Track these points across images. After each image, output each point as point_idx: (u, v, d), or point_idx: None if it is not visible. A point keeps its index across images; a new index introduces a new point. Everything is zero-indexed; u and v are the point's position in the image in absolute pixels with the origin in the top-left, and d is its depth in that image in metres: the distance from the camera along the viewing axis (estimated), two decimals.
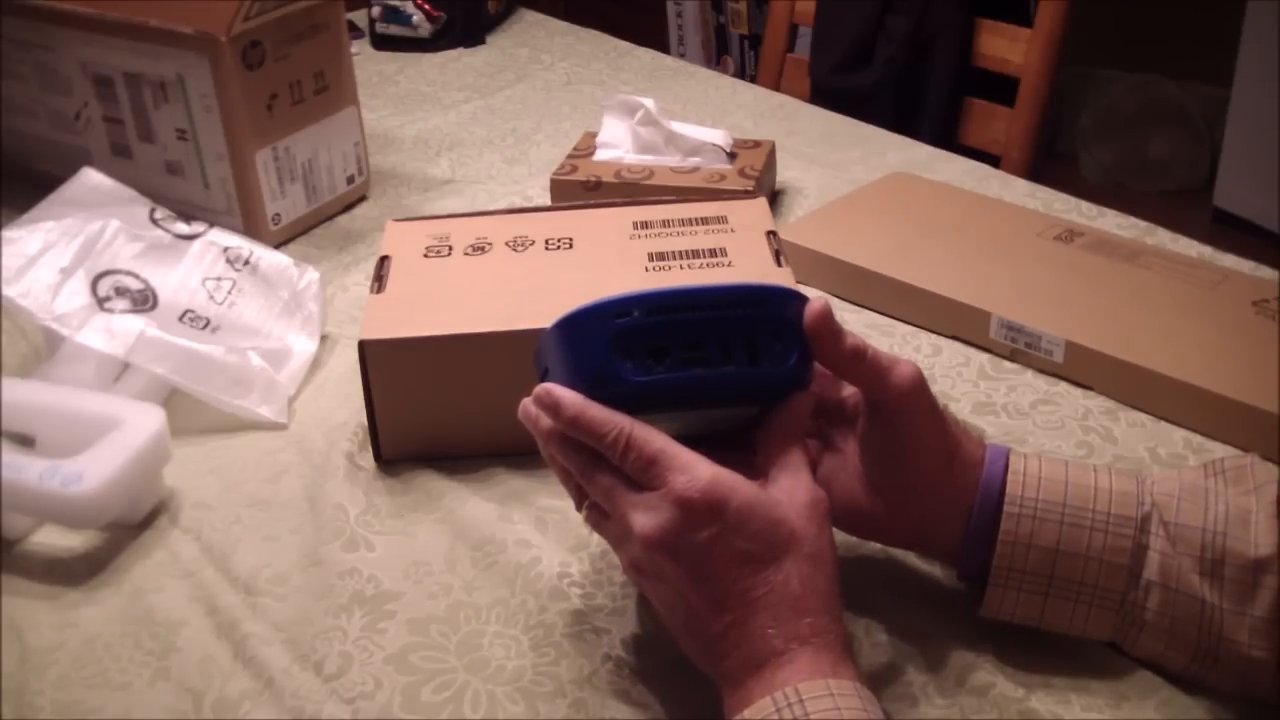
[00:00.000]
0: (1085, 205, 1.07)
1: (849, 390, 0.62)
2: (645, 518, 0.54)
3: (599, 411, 0.55)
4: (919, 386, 0.58)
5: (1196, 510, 0.57)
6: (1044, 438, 0.77)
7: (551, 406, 0.56)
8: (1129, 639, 0.59)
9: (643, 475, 0.54)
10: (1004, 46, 1.47)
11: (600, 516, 0.58)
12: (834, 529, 0.62)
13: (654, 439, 0.54)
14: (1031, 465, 0.59)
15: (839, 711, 0.50)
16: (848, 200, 1.04)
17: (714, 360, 0.56)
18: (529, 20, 1.64)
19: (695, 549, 0.53)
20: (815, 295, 0.58)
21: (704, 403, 0.57)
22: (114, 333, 0.79)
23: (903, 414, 0.58)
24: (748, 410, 0.58)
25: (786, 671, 0.51)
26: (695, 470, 0.53)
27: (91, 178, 0.91)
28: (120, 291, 0.82)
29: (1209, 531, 0.57)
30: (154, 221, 0.88)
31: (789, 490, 0.55)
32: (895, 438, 0.59)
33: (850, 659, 0.53)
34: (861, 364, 0.58)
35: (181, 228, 0.88)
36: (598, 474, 0.56)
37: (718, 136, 1.07)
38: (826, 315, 0.57)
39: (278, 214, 1.05)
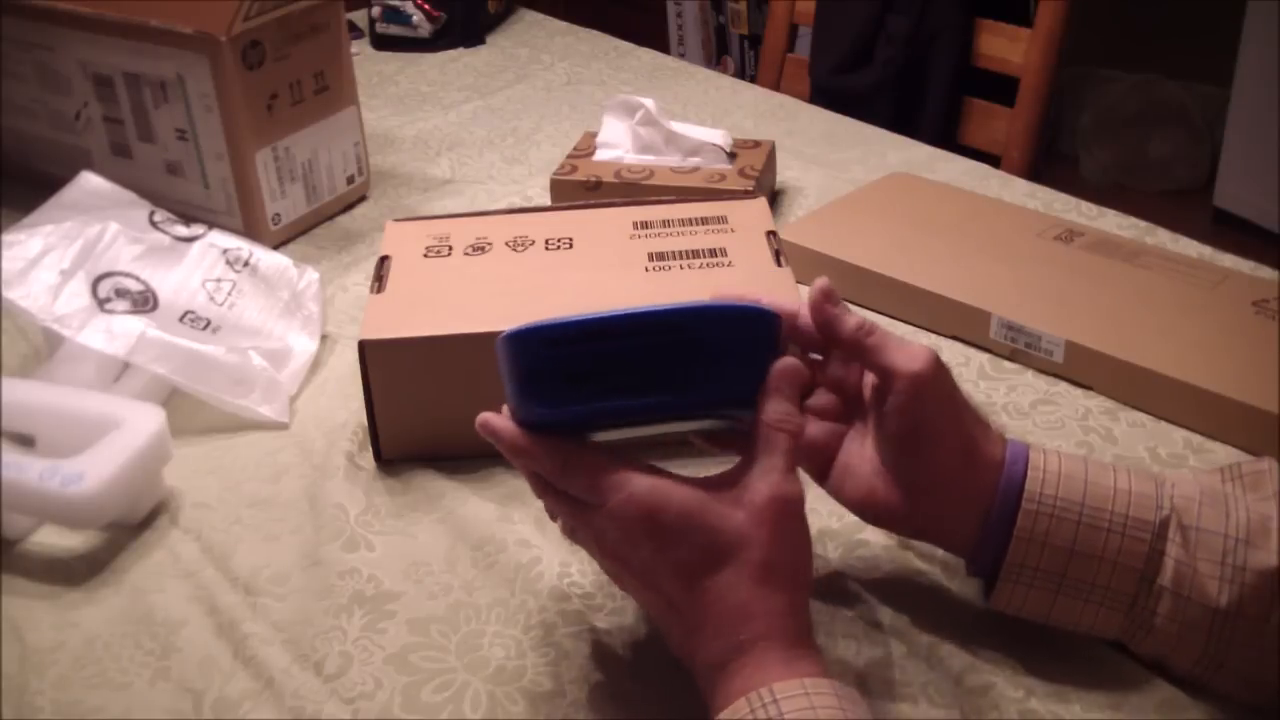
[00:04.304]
0: (1085, 205, 1.07)
1: (871, 376, 0.61)
2: (595, 534, 0.56)
3: (533, 444, 0.55)
4: (929, 373, 0.57)
5: (1218, 516, 0.57)
6: (1044, 438, 0.77)
7: (493, 436, 0.56)
8: (1134, 640, 0.59)
9: (588, 496, 0.55)
10: (1004, 46, 1.47)
11: (569, 529, 0.60)
12: (856, 515, 0.62)
13: (588, 460, 0.55)
14: (1051, 462, 0.58)
15: (813, 710, 0.49)
16: (848, 200, 1.04)
17: (637, 387, 0.54)
18: (529, 20, 1.64)
19: (641, 562, 0.54)
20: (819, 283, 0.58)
21: (640, 424, 0.57)
22: (115, 333, 0.79)
23: (916, 401, 0.57)
24: (708, 424, 0.58)
25: (738, 681, 0.51)
26: (629, 485, 0.54)
27: (91, 181, 0.91)
28: (120, 293, 0.82)
29: (1230, 538, 0.56)
30: (153, 224, 0.88)
31: (747, 489, 0.54)
32: (908, 426, 0.58)
33: (806, 654, 0.53)
34: (864, 349, 0.58)
35: (181, 230, 0.88)
36: (548, 495, 0.58)
37: (718, 136, 1.07)
38: (818, 305, 0.58)
39: (278, 214, 1.05)
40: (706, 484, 0.54)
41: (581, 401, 0.54)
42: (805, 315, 0.60)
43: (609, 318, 0.53)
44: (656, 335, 0.54)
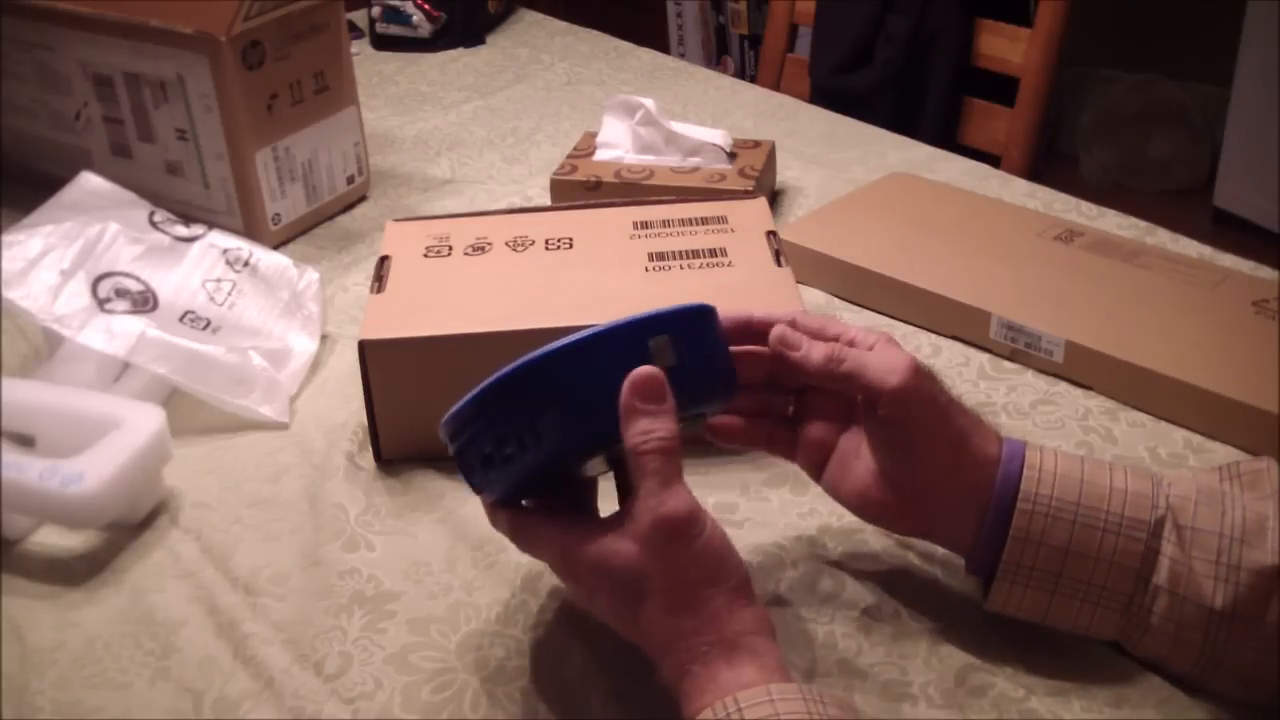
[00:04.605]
0: (1085, 205, 1.07)
1: None
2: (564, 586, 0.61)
3: (498, 519, 0.59)
4: (910, 384, 0.57)
5: (1213, 515, 0.57)
6: (1044, 438, 0.77)
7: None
8: (1132, 640, 0.59)
9: (538, 558, 0.60)
10: (1004, 46, 1.47)
11: None
12: (853, 514, 0.62)
13: (527, 527, 0.58)
14: (1048, 461, 0.58)
15: (778, 717, 0.49)
16: (848, 200, 1.04)
17: (536, 442, 0.54)
18: (529, 20, 1.64)
19: (592, 609, 0.57)
20: (808, 303, 0.58)
21: (569, 466, 0.58)
22: (115, 333, 0.79)
23: (902, 411, 0.57)
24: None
25: (689, 704, 0.52)
26: (552, 548, 0.57)
27: (91, 181, 0.91)
28: (120, 293, 0.82)
29: (1225, 537, 0.56)
30: (153, 224, 0.88)
31: (634, 521, 0.53)
32: (896, 436, 0.59)
33: (742, 659, 0.52)
34: (839, 379, 0.59)
35: (181, 230, 0.88)
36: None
37: (718, 136, 1.07)
38: (779, 357, 0.60)
39: (278, 214, 1.05)
40: (610, 524, 0.55)
41: (498, 474, 0.56)
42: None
43: (480, 391, 0.55)
44: (530, 385, 0.54)
